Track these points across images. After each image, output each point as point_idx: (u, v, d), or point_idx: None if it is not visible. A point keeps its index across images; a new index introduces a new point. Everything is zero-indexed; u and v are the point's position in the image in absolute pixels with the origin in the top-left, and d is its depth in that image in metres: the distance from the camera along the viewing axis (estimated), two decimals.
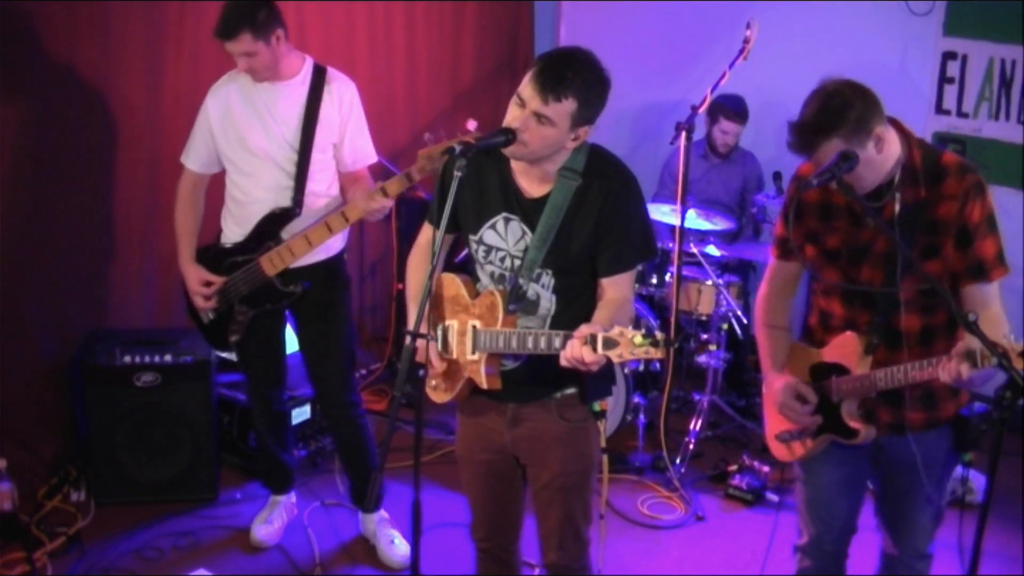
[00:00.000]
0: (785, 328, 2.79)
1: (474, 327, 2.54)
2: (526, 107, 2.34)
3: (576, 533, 2.72)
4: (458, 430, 2.80)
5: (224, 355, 4.34)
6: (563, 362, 2.29)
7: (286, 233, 3.48)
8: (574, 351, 2.25)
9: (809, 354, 2.68)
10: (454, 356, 2.58)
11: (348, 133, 3.50)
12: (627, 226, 2.48)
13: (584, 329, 2.26)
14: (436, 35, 5.40)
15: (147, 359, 3.89)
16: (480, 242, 2.55)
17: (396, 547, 3.76)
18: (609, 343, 2.21)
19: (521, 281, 2.48)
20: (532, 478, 2.70)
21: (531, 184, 2.49)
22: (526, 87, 2.34)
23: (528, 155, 2.40)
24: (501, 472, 2.73)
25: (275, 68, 3.37)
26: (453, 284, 2.63)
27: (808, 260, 2.62)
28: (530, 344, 2.41)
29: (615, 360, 2.23)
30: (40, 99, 3.93)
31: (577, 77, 2.32)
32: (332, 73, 3.49)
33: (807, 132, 2.32)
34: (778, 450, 2.80)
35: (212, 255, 3.59)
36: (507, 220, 2.51)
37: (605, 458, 2.65)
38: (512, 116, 2.37)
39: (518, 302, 2.49)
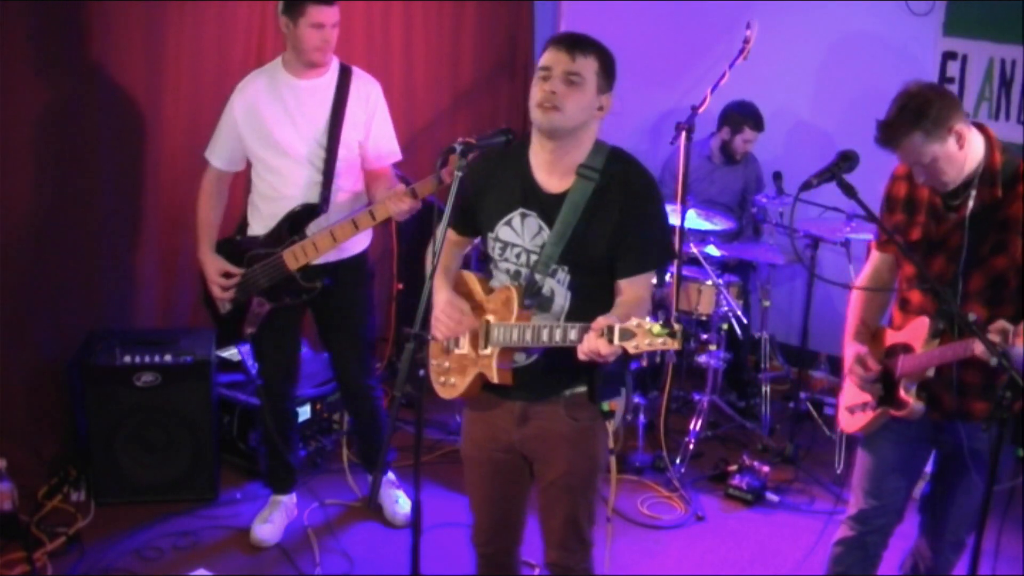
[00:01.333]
0: (876, 312, 2.92)
1: (487, 322, 2.55)
2: (552, 73, 2.39)
3: (579, 534, 2.71)
4: (464, 429, 2.80)
5: (224, 355, 4.36)
6: (580, 356, 2.31)
7: (311, 229, 3.55)
8: (591, 343, 2.27)
9: (887, 334, 2.84)
10: (466, 351, 2.59)
11: (373, 131, 3.60)
12: (647, 229, 2.50)
13: (601, 321, 2.26)
14: (435, 35, 5.39)
15: (147, 359, 3.89)
16: (497, 239, 2.57)
17: (399, 506, 3.92)
18: (626, 334, 2.23)
19: (537, 276, 2.49)
20: (538, 475, 2.70)
21: (551, 179, 2.51)
22: (548, 56, 2.42)
23: (564, 121, 2.41)
24: (508, 472, 2.73)
25: (331, 55, 3.51)
26: (467, 281, 2.66)
27: (897, 249, 2.80)
28: (545, 337, 2.41)
29: (631, 351, 2.24)
30: (39, 99, 3.92)
31: (592, 41, 2.45)
32: (357, 72, 3.59)
33: (890, 128, 2.52)
34: (844, 419, 2.94)
35: (233, 247, 3.65)
36: (524, 216, 2.53)
37: (613, 459, 2.63)
38: (539, 89, 2.41)
39: (533, 297, 2.50)
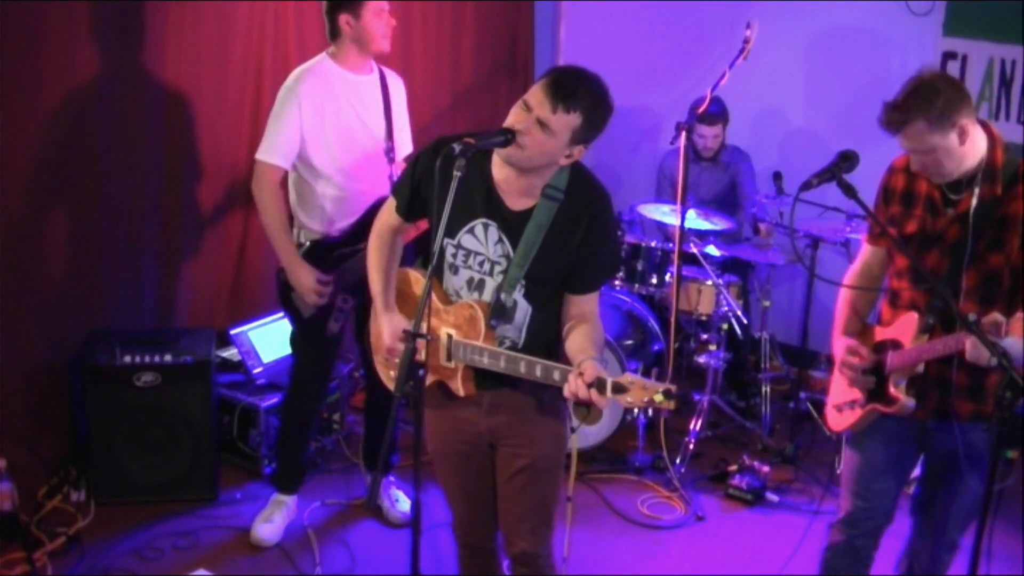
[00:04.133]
0: (864, 308, 2.91)
1: (450, 336, 2.55)
2: (531, 112, 2.36)
3: (547, 519, 2.75)
4: (428, 427, 2.79)
5: (224, 355, 4.36)
6: (567, 394, 2.35)
7: None
8: (581, 393, 2.31)
9: (875, 331, 2.83)
10: (422, 357, 2.58)
11: (404, 125, 3.72)
12: (605, 249, 2.58)
13: (590, 372, 2.30)
14: (435, 35, 5.39)
15: (147, 359, 3.89)
16: (458, 246, 2.56)
17: (398, 506, 3.95)
18: (618, 387, 2.28)
19: (503, 296, 2.51)
20: (504, 464, 2.71)
21: (512, 196, 2.52)
22: (535, 93, 2.37)
23: (523, 160, 2.41)
24: (477, 462, 2.75)
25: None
26: (421, 283, 2.64)
27: (889, 242, 2.79)
28: (522, 369, 2.44)
29: (623, 404, 2.30)
30: (39, 100, 3.92)
31: (588, 95, 2.37)
32: (387, 71, 3.69)
33: (896, 112, 2.51)
34: (832, 418, 2.93)
35: (316, 251, 3.62)
36: (486, 226, 2.53)
37: (575, 437, 2.73)
38: (516, 119, 2.39)
39: (500, 318, 2.52)
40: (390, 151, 3.64)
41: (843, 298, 2.90)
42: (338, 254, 3.62)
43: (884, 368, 2.72)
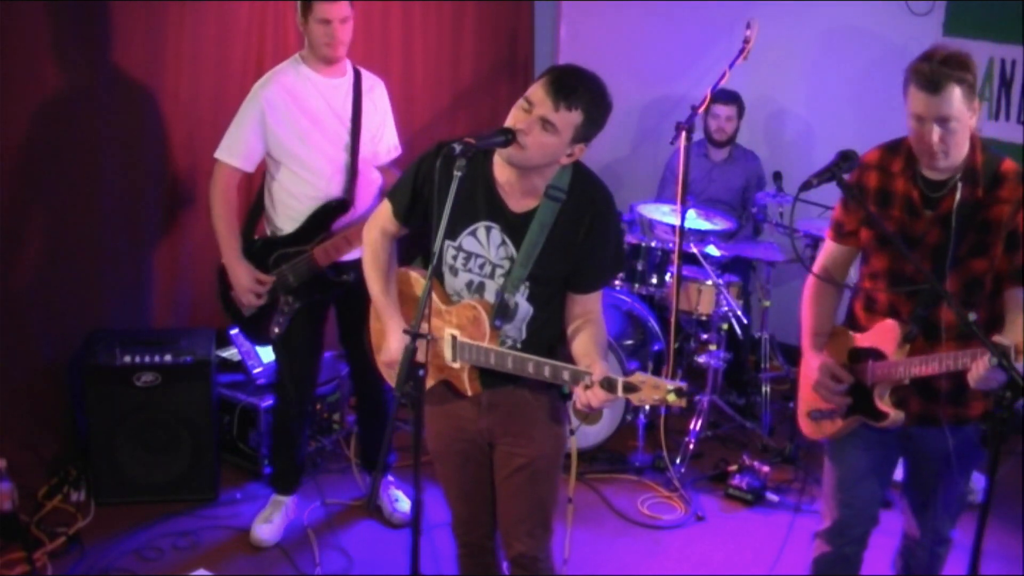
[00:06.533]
0: (831, 310, 2.82)
1: (454, 336, 2.55)
2: (533, 111, 2.36)
3: (545, 520, 2.75)
4: (428, 427, 2.78)
5: (224, 355, 4.36)
6: (579, 406, 2.37)
7: (336, 225, 3.56)
8: (594, 402, 2.33)
9: (849, 338, 2.73)
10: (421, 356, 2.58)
11: (384, 127, 3.67)
12: (608, 247, 2.57)
13: (599, 371, 2.32)
14: (435, 35, 5.39)
15: (147, 359, 3.89)
16: (459, 248, 2.56)
17: (398, 506, 3.95)
18: (630, 387, 2.29)
19: (507, 296, 2.51)
20: (502, 463, 2.70)
21: (514, 198, 2.51)
22: (536, 91, 2.37)
23: (524, 160, 2.41)
24: (476, 460, 2.75)
25: (344, 50, 3.50)
26: (421, 284, 2.63)
27: (862, 244, 2.69)
28: (531, 370, 2.44)
29: (635, 402, 2.32)
30: (39, 99, 3.92)
31: (588, 92, 2.38)
32: (365, 72, 3.65)
33: (942, 70, 2.37)
34: (808, 427, 2.85)
35: (258, 249, 3.61)
36: (488, 228, 2.53)
37: (573, 439, 2.73)
38: (517, 119, 2.38)
39: (503, 318, 2.52)
40: (354, 155, 3.55)
41: (809, 299, 2.79)
42: (280, 254, 3.59)
43: (864, 379, 2.64)
